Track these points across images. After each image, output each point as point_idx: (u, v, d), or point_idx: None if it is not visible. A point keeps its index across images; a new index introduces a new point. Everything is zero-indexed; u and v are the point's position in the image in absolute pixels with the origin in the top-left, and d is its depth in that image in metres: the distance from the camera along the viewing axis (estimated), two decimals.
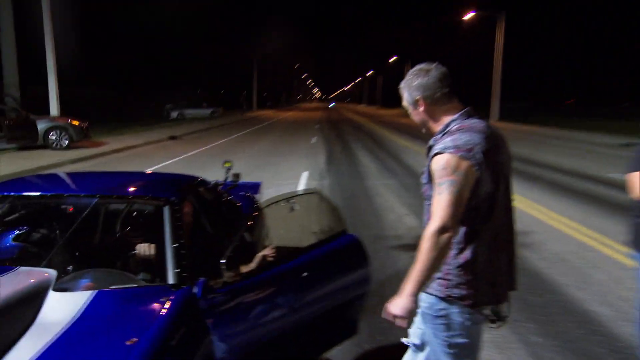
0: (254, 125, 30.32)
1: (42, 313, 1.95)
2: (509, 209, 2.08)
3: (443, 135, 2.00)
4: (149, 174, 3.97)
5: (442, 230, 1.85)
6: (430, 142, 2.05)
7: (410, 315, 1.93)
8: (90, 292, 2.07)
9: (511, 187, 2.09)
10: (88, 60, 31.38)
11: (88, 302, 2.01)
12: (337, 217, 3.39)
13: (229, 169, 4.00)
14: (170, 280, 2.28)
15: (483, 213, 1.97)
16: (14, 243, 2.67)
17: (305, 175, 10.83)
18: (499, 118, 35.35)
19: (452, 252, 1.97)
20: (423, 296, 2.09)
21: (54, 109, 16.74)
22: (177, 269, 2.31)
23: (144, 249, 2.67)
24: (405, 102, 2.14)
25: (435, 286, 2.03)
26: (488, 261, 1.99)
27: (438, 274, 2.00)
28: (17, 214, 2.95)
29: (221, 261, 2.47)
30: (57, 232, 2.81)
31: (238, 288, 2.47)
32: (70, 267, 2.63)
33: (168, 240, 2.44)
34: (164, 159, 13.67)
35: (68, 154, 13.78)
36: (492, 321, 2.09)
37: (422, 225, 2.08)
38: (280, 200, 3.31)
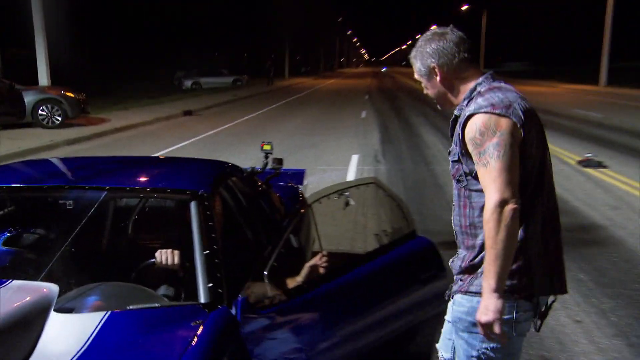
0: (287, 96, 30.43)
1: (42, 341, 1.90)
2: (553, 188, 2.14)
3: (469, 101, 2.07)
4: (168, 159, 3.96)
5: (502, 203, 1.90)
6: (455, 112, 2.13)
7: (502, 316, 1.97)
8: (102, 313, 2.02)
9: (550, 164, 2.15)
10: (82, 20, 32.06)
11: (99, 327, 1.96)
12: (403, 214, 3.32)
13: (268, 153, 3.91)
14: (202, 298, 2.22)
15: (534, 182, 2.03)
16: (4, 248, 2.66)
17: (355, 159, 10.79)
18: (606, 82, 34.40)
19: None
20: (458, 299, 2.15)
21: (44, 77, 17.12)
22: (210, 283, 2.26)
23: (165, 256, 2.61)
24: (418, 74, 2.21)
25: (476, 283, 2.07)
26: (542, 243, 2.06)
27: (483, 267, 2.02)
28: (5, 211, 2.95)
29: (264, 273, 2.42)
30: (57, 234, 2.79)
31: (286, 308, 2.42)
32: (73, 280, 2.61)
33: (197, 246, 2.39)
34: (179, 139, 13.84)
35: (62, 133, 14.12)
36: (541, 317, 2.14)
37: (453, 219, 2.20)
38: (331, 193, 3.24)
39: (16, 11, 18.42)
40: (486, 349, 2.10)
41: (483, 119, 1.97)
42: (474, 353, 2.13)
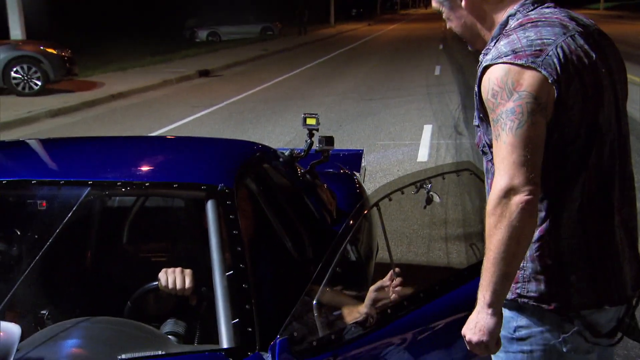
0: (333, 49, 30.60)
1: None
2: (625, 154, 2.09)
3: (497, 40, 2.01)
4: (176, 139, 3.89)
5: (509, 192, 1.84)
6: (480, 57, 2.06)
7: (495, 337, 1.98)
8: None
9: (626, 118, 2.08)
10: None
11: None
12: None
13: (313, 130, 3.78)
14: (225, 341, 2.13)
15: (573, 159, 1.96)
16: None
17: (428, 131, 10.77)
18: None
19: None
20: None
21: (16, 28, 17.44)
22: (236, 318, 2.17)
23: (173, 278, 2.55)
24: (435, 2, 2.18)
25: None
26: (582, 235, 1.99)
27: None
28: None
29: (313, 302, 2.30)
30: (23, 247, 2.74)
31: (346, 354, 2.28)
32: (45, 312, 2.57)
33: (217, 264, 2.32)
34: (193, 109, 13.96)
35: (43, 101, 14.40)
36: (592, 339, 2.06)
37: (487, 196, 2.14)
38: (407, 186, 3.10)
39: None
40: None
41: (498, 74, 1.87)
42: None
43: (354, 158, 4.98)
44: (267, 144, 3.57)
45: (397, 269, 2.59)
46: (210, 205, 2.49)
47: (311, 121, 3.82)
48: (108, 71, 20.19)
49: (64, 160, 3.13)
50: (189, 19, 39.04)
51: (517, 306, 2.07)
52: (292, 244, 3.00)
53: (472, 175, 3.34)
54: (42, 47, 15.72)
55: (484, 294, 1.93)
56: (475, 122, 2.10)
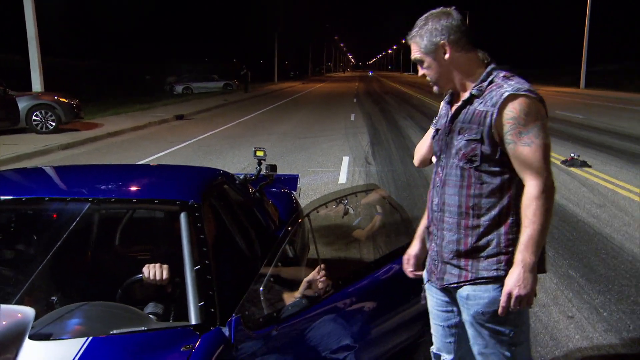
0: (277, 100, 30.28)
1: None
2: None
3: (489, 83, 2.01)
4: (157, 167, 3.74)
5: (550, 183, 1.92)
6: (472, 91, 2.03)
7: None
8: (82, 340, 1.80)
9: None
10: (73, 26, 31.72)
11: (78, 356, 1.73)
12: (402, 221, 3.11)
13: (261, 160, 3.70)
14: (193, 319, 2.04)
15: None
16: None
17: (346, 161, 10.66)
18: (585, 85, 34.91)
19: (512, 217, 2.00)
20: (471, 292, 2.06)
21: (37, 83, 16.78)
22: (202, 301, 2.08)
23: (154, 271, 2.43)
24: (421, 52, 2.08)
25: (483, 266, 2.02)
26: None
27: (493, 249, 2.01)
28: None
29: (259, 289, 2.25)
30: (37, 249, 2.59)
31: (284, 327, 2.22)
32: (54, 298, 2.43)
33: (188, 261, 2.22)
34: (172, 143, 13.61)
35: (56, 138, 13.82)
36: None
37: (439, 199, 2.12)
38: (330, 202, 3.03)
39: (9, 16, 18.08)
40: (515, 327, 2.07)
41: (527, 101, 1.92)
42: (505, 338, 2.08)
43: (292, 181, 4.87)
44: (227, 170, 3.45)
45: (322, 265, 2.54)
46: (182, 216, 2.40)
47: (260, 153, 3.75)
48: (106, 115, 19.53)
49: (70, 182, 2.98)
50: (168, 77, 38.26)
51: (503, 282, 1.98)
52: (245, 245, 2.90)
53: (378, 193, 3.31)
54: (56, 97, 15.14)
55: (530, 258, 1.90)
56: (473, 137, 2.00)
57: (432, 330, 2.36)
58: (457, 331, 2.27)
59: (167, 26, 43.18)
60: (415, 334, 2.83)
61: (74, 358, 1.72)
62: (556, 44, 71.54)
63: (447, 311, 2.26)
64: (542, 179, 1.91)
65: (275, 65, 54.81)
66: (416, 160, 2.97)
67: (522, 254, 1.91)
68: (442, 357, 2.33)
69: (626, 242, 5.78)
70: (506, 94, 1.93)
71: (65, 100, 15.21)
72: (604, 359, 3.57)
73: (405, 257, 2.43)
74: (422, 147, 2.91)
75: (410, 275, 2.42)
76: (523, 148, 1.92)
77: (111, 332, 1.91)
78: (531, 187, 1.92)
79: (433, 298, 2.30)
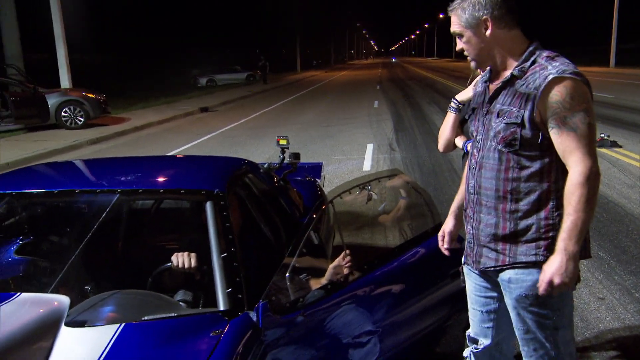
0: (300, 89, 30.28)
1: (53, 358, 1.76)
2: None
3: (532, 63, 1.95)
4: (182, 158, 3.79)
5: (596, 169, 1.87)
6: (514, 72, 1.98)
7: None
8: (115, 326, 1.85)
9: None
10: (97, 22, 32.02)
11: (112, 341, 1.80)
12: (428, 206, 3.12)
13: (284, 148, 3.72)
14: (221, 305, 2.08)
15: None
16: (17, 257, 2.52)
17: (370, 148, 10.64)
18: (615, 64, 34.05)
19: (557, 202, 1.95)
20: (513, 275, 2.03)
21: (65, 80, 17.04)
22: (229, 288, 2.11)
23: (182, 259, 2.48)
24: (462, 25, 2.01)
25: (522, 251, 2.00)
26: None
27: (532, 234, 1.98)
28: (17, 218, 2.81)
29: (286, 274, 2.28)
30: (70, 240, 2.66)
31: (310, 312, 2.25)
32: (88, 287, 2.48)
33: (214, 249, 2.25)
34: (197, 135, 13.74)
35: (85, 133, 14.06)
36: None
37: (477, 183, 2.07)
38: (353, 188, 3.04)
39: (36, 16, 18.39)
40: (558, 310, 2.05)
41: (573, 84, 1.86)
42: (548, 322, 2.06)
43: (316, 169, 4.89)
44: (251, 160, 3.49)
45: (347, 252, 2.56)
46: (208, 205, 2.42)
47: (283, 141, 3.77)
48: (133, 110, 19.77)
49: (99, 174, 3.03)
50: (193, 70, 38.49)
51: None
52: (270, 232, 2.92)
53: (401, 178, 3.30)
54: (84, 93, 15.37)
55: (572, 246, 1.86)
56: (513, 120, 1.95)
57: (470, 315, 2.34)
58: (496, 316, 2.24)
59: (189, 17, 43.34)
60: (442, 318, 2.84)
61: (108, 343, 1.78)
62: (585, 21, 70.04)
63: (486, 297, 2.24)
64: (587, 165, 1.85)
65: (297, 54, 54.73)
66: (440, 146, 2.96)
67: (565, 242, 1.86)
68: (479, 342, 2.31)
69: None
70: (550, 76, 1.87)
71: (93, 96, 15.43)
72: (636, 340, 3.53)
73: (440, 233, 2.41)
74: (445, 131, 2.90)
75: (445, 252, 2.39)
76: (568, 133, 1.86)
77: (143, 319, 1.95)
78: (576, 174, 1.86)
79: (472, 283, 2.28)
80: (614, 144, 9.55)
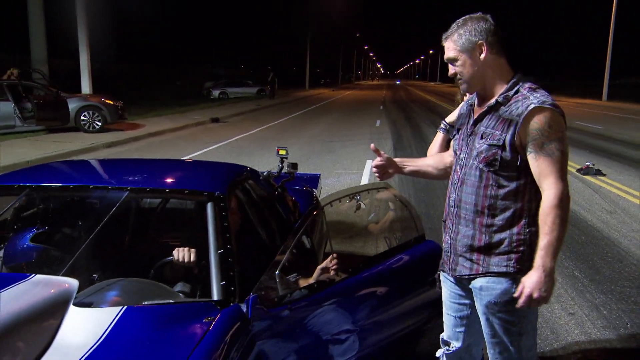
0: (307, 106, 30.41)
1: (61, 333, 1.86)
2: None
3: (515, 92, 2.03)
4: (189, 162, 3.89)
5: (567, 192, 1.95)
6: (498, 99, 2.06)
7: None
8: (118, 308, 1.95)
9: None
10: (119, 33, 32.29)
11: (115, 321, 1.90)
12: (412, 218, 3.21)
13: (283, 158, 3.83)
14: (215, 295, 2.17)
15: None
16: (31, 244, 2.62)
17: (369, 164, 10.64)
18: (607, 97, 34.17)
19: (529, 220, 2.04)
20: (484, 283, 2.11)
21: (86, 86, 17.25)
22: (223, 281, 2.20)
23: (182, 254, 2.55)
24: (454, 51, 2.09)
25: (494, 262, 2.08)
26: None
27: (504, 247, 2.06)
28: (35, 209, 2.90)
29: (276, 272, 2.35)
30: (81, 232, 2.74)
31: (296, 307, 2.35)
32: (96, 275, 2.56)
33: (212, 245, 2.34)
34: (207, 144, 13.85)
35: (102, 136, 14.19)
36: None
37: (456, 197, 2.15)
38: (343, 197, 3.13)
39: (62, 23, 18.61)
40: (523, 317, 2.12)
41: (552, 114, 1.96)
42: (514, 328, 2.14)
43: (314, 180, 4.97)
44: (255, 168, 3.58)
45: (335, 255, 2.65)
46: (209, 206, 2.49)
47: (282, 152, 3.87)
48: (148, 117, 19.90)
49: (111, 173, 3.12)
50: (206, 82, 38.73)
51: (516, 275, 2.05)
52: (266, 235, 2.98)
53: (387, 191, 3.37)
54: (102, 99, 15.52)
55: (549, 263, 1.93)
56: (495, 142, 2.03)
57: (444, 319, 2.41)
58: (468, 322, 2.32)
59: (207, 31, 43.68)
60: (421, 320, 2.92)
61: (111, 323, 1.88)
62: (580, 56, 70.34)
63: (459, 303, 2.32)
64: (559, 189, 1.94)
65: (306, 72, 55.00)
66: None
67: (543, 259, 1.93)
68: (451, 344, 2.39)
69: (632, 246, 5.77)
70: (532, 105, 1.96)
71: (111, 102, 15.56)
72: (600, 352, 3.62)
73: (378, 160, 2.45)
74: (433, 149, 3.01)
75: (374, 170, 2.45)
76: (544, 158, 1.95)
77: (143, 303, 2.05)
78: (550, 196, 1.94)
79: (447, 290, 2.35)
80: (599, 172, 9.63)
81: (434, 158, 2.54)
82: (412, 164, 2.49)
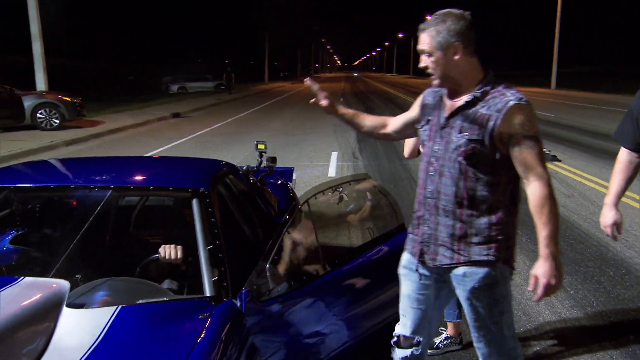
0: (268, 99, 30.26)
1: (57, 336, 1.81)
2: None
3: (491, 89, 2.07)
4: (167, 158, 3.83)
5: (551, 182, 2.03)
6: (477, 94, 2.08)
7: None
8: (113, 308, 1.91)
9: None
10: (76, 28, 31.43)
11: (111, 321, 1.87)
12: (393, 208, 3.23)
13: (262, 152, 3.80)
14: (208, 291, 2.16)
15: None
16: (11, 247, 2.54)
17: (335, 156, 10.76)
18: (556, 86, 35.15)
19: (504, 210, 2.12)
20: (467, 271, 2.16)
21: (41, 83, 16.67)
22: (215, 277, 2.19)
23: (169, 251, 2.53)
24: (428, 46, 2.08)
25: (475, 251, 2.13)
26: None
27: (484, 237, 2.12)
28: (12, 210, 2.81)
29: (266, 266, 2.35)
30: (62, 232, 2.67)
31: (287, 300, 2.36)
32: (78, 276, 2.51)
33: (201, 241, 2.32)
34: (170, 139, 13.65)
35: (60, 134, 13.80)
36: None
37: (434, 189, 2.18)
38: (326, 189, 3.13)
39: (12, 20, 17.95)
40: (503, 297, 2.21)
41: (529, 109, 2.03)
42: (496, 308, 2.20)
43: (288, 173, 4.96)
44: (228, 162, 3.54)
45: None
46: (194, 202, 2.47)
47: (261, 146, 3.85)
48: (107, 113, 19.46)
49: (93, 172, 3.02)
50: (164, 77, 38.05)
51: (495, 263, 2.14)
52: (249, 229, 2.98)
53: (369, 182, 3.37)
54: (59, 96, 15.10)
55: (553, 249, 2.02)
56: (474, 137, 2.06)
57: (407, 315, 2.35)
58: (431, 313, 2.35)
59: (162, 28, 42.90)
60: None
61: (107, 324, 1.84)
62: (529, 46, 72.07)
63: (426, 294, 2.31)
64: (546, 178, 2.02)
65: (265, 66, 54.65)
66: (406, 152, 3.10)
67: (550, 248, 2.01)
68: (415, 339, 2.34)
69: (592, 228, 5.98)
70: (511, 102, 2.01)
71: (68, 99, 15.16)
72: (569, 331, 3.76)
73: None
74: (411, 141, 3.05)
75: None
76: (528, 152, 2.01)
77: (137, 302, 2.01)
78: (540, 187, 2.01)
79: (412, 283, 2.33)
80: (555, 158, 9.94)
81: (376, 119, 2.55)
82: (351, 112, 2.55)
